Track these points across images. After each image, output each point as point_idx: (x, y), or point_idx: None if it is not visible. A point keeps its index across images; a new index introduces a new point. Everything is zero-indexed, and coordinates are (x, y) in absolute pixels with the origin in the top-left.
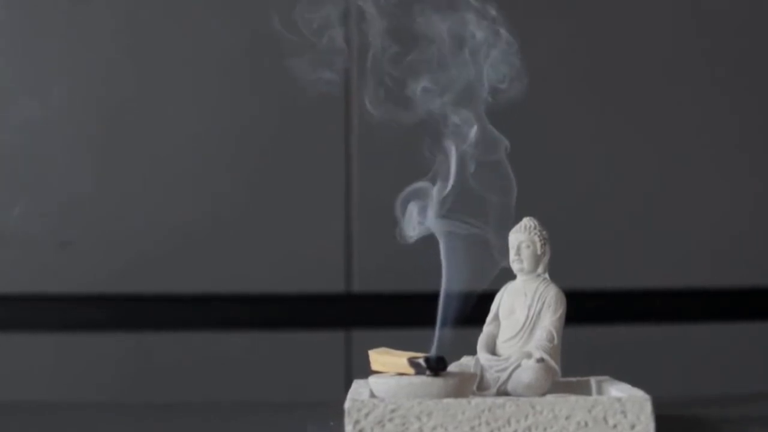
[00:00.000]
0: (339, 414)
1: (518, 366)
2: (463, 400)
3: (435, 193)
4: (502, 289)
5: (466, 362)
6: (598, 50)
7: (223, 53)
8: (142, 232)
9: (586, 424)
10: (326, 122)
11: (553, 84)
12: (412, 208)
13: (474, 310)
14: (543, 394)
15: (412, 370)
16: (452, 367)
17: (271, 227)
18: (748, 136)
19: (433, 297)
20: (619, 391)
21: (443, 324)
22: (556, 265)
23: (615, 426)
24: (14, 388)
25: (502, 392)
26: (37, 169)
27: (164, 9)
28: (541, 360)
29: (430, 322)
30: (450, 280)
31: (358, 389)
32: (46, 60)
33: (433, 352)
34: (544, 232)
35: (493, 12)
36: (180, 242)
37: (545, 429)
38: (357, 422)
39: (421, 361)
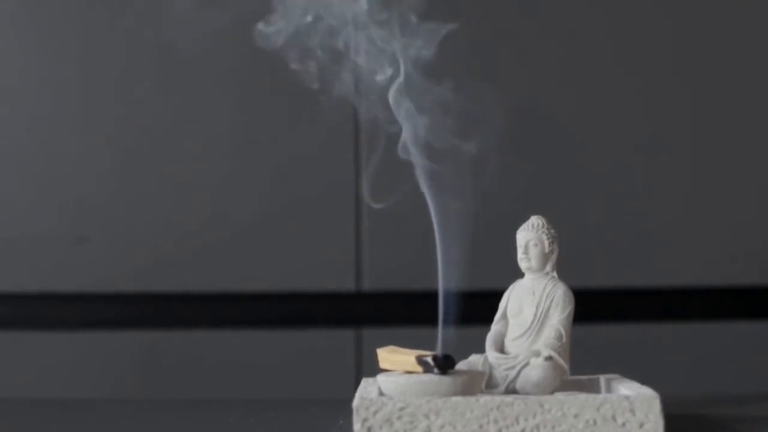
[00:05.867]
0: (349, 412)
1: (527, 364)
2: (472, 399)
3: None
4: (510, 288)
5: (474, 360)
6: (601, 49)
7: (239, 56)
8: (157, 232)
9: (595, 422)
10: (336, 123)
11: (559, 85)
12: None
13: (481, 308)
14: (552, 393)
15: (420, 369)
16: (460, 366)
17: (283, 227)
18: (751, 135)
19: (447, 296)
20: (628, 389)
21: (445, 322)
22: (565, 263)
23: (624, 424)
24: (28, 386)
25: (511, 390)
26: (53, 167)
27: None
28: (549, 358)
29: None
30: (447, 278)
31: (367, 387)
32: (65, 58)
33: (440, 350)
34: (552, 231)
35: None
36: (193, 242)
37: (554, 427)
38: (365, 420)
39: (430, 360)
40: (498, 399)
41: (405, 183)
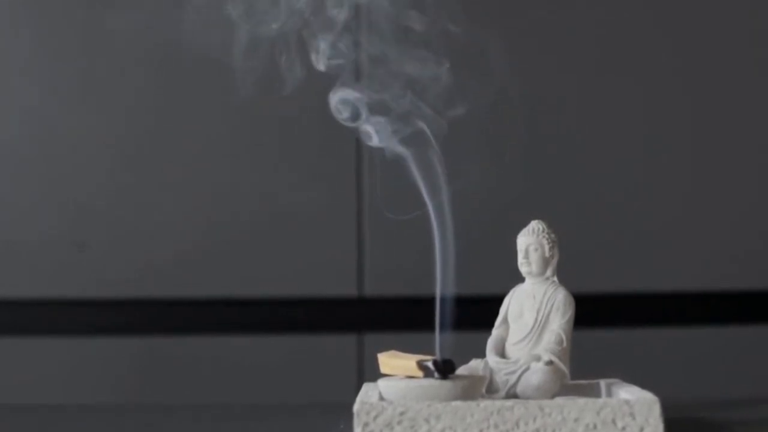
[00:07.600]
0: (350, 416)
1: (527, 369)
2: (472, 403)
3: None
4: (511, 292)
5: (474, 365)
6: (601, 48)
7: (240, 57)
8: (158, 237)
9: (595, 427)
10: (339, 132)
11: (559, 84)
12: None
13: (481, 313)
14: (552, 397)
15: (421, 373)
16: (461, 370)
17: (285, 232)
18: (751, 136)
19: (443, 301)
20: (628, 393)
21: (442, 327)
22: (565, 267)
23: (624, 428)
24: (28, 391)
25: (511, 395)
26: (53, 170)
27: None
28: (550, 363)
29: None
30: (445, 283)
31: (368, 392)
32: (65, 58)
33: (440, 355)
34: (552, 235)
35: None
36: (194, 246)
37: (554, 431)
38: (366, 425)
39: (430, 364)
40: (498, 403)
41: (408, 185)
